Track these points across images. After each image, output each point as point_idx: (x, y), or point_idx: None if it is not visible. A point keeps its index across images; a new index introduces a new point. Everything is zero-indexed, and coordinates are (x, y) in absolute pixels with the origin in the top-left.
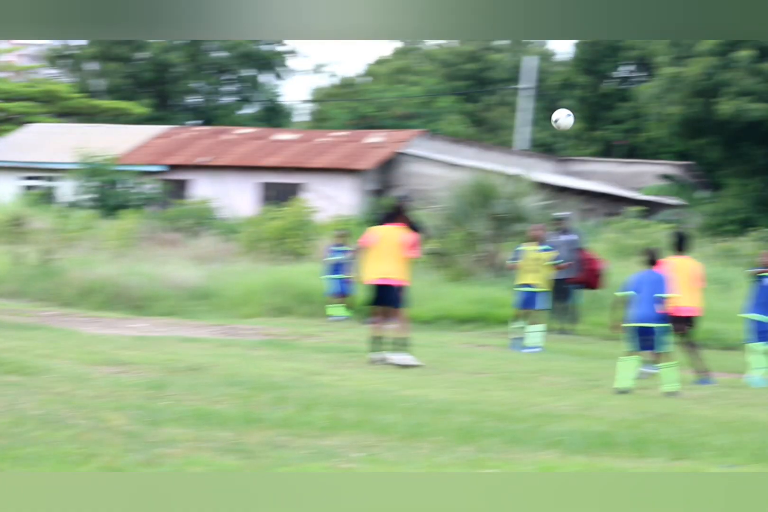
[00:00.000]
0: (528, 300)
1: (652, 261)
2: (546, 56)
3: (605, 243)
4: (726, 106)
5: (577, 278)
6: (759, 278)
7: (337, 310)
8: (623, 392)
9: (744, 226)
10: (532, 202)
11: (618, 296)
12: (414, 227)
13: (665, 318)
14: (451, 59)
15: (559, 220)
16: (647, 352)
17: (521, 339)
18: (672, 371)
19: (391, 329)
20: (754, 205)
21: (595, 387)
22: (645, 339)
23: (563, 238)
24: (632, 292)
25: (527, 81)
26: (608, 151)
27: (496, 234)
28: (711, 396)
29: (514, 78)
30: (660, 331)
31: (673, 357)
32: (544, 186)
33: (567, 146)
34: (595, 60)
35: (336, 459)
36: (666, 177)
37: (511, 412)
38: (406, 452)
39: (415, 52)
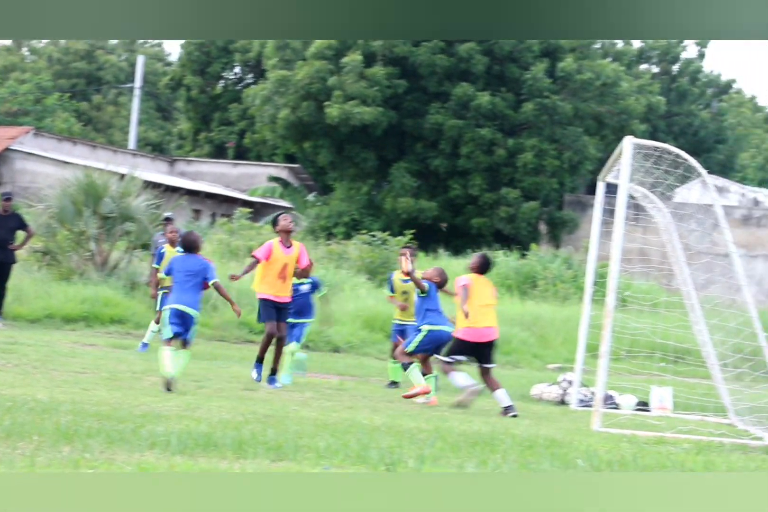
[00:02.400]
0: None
1: (190, 247)
2: (160, 57)
3: (214, 243)
4: (334, 110)
5: None
6: (295, 286)
7: None
8: (169, 382)
9: (352, 228)
10: (141, 202)
11: (162, 277)
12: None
13: (197, 304)
14: (62, 57)
15: (167, 220)
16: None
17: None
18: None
19: None
20: (362, 208)
21: (199, 388)
22: (178, 324)
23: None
24: (169, 276)
25: (139, 81)
26: (220, 152)
27: (104, 233)
28: (315, 398)
29: (127, 78)
30: (192, 321)
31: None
32: (153, 186)
33: (178, 146)
34: (205, 61)
35: None
36: (275, 179)
37: (113, 412)
38: (5, 452)
39: (25, 48)
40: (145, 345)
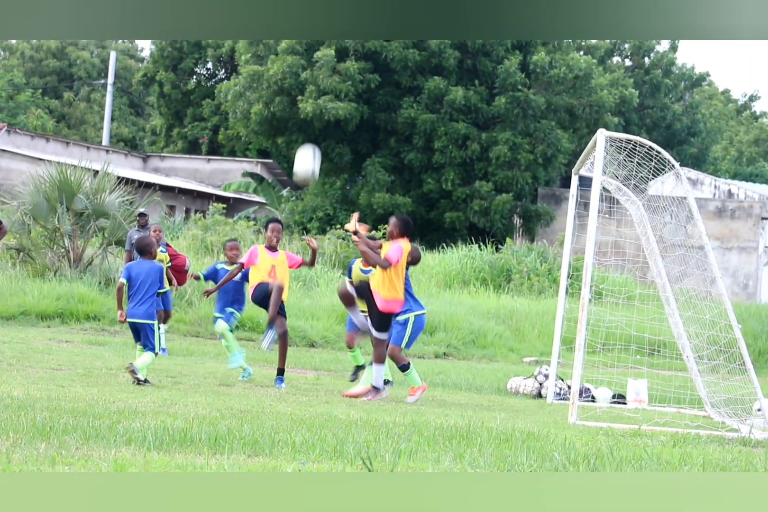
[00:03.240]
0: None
1: (142, 252)
2: (132, 53)
3: (189, 239)
4: (307, 105)
5: None
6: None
7: None
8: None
9: (326, 223)
10: (115, 198)
11: (120, 283)
12: None
13: (155, 314)
14: (34, 54)
15: (141, 215)
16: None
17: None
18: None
19: None
20: (336, 203)
21: (175, 384)
22: (139, 336)
23: (144, 233)
24: (126, 282)
25: (111, 77)
26: (193, 147)
27: (78, 229)
28: (291, 393)
29: (99, 74)
30: (150, 329)
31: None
32: (127, 182)
33: (151, 142)
34: (178, 57)
35: None
36: (249, 174)
37: (89, 408)
38: None
39: None
40: (163, 350)
